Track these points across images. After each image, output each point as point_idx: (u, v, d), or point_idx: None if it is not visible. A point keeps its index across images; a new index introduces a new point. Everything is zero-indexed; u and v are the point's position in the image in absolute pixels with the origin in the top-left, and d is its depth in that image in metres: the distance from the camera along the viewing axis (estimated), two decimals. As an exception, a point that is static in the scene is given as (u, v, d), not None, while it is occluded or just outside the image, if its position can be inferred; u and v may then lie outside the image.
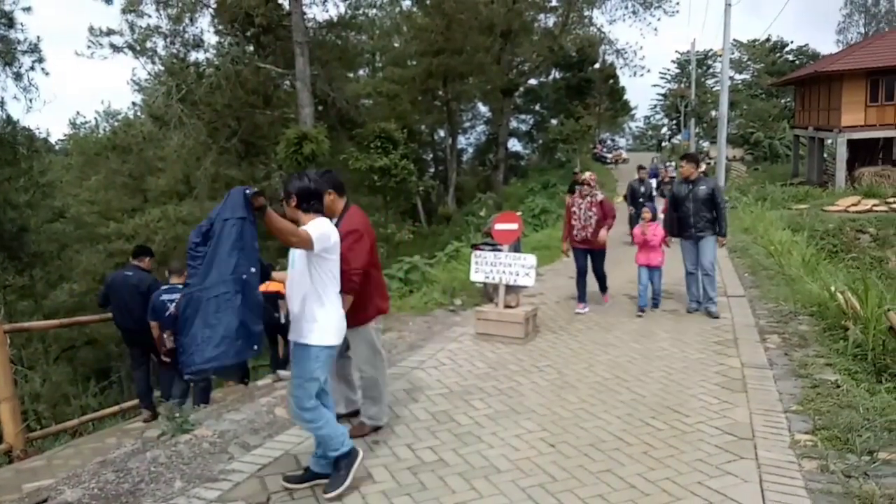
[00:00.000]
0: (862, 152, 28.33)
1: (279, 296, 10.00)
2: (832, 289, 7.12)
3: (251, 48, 22.17)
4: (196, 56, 23.25)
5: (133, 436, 5.66)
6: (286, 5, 20.04)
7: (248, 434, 4.56)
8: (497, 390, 5.35)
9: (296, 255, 3.62)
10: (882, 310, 5.54)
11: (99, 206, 31.59)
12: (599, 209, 7.86)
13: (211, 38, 23.59)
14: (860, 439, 4.01)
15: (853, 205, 20.87)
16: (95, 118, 43.32)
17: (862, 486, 3.49)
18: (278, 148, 18.82)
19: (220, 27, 22.59)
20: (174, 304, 5.93)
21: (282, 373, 6.24)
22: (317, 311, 3.55)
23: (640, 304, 7.98)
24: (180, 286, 5.91)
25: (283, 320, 9.88)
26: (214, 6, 21.29)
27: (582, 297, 8.19)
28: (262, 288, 10.13)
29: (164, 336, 6.38)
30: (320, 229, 3.49)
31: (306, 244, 3.39)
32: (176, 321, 5.34)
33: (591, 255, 8.08)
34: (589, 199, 7.89)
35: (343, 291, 3.85)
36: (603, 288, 8.45)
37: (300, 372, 3.53)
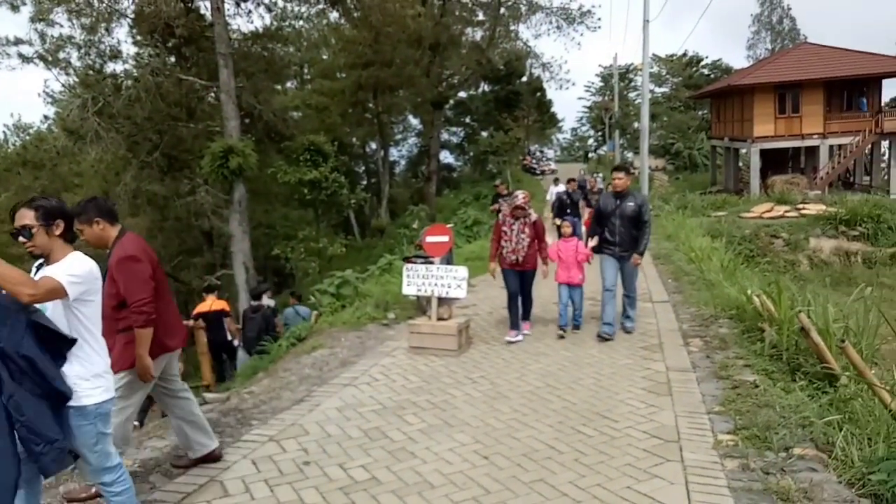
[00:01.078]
0: (773, 161, 30.03)
1: (224, 314, 9.78)
2: (749, 292, 7.43)
3: (172, 59, 21.47)
4: (113, 67, 22.32)
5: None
6: (209, 16, 19.54)
7: (172, 461, 4.36)
8: (431, 404, 5.32)
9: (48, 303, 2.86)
10: (794, 311, 5.81)
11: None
12: (532, 230, 7.28)
13: (129, 49, 22.67)
14: (777, 437, 4.19)
15: (767, 211, 22.02)
16: (4, 132, 40.88)
17: (779, 482, 3.64)
18: (203, 162, 18.25)
19: (139, 38, 21.80)
20: None
21: (208, 395, 6.01)
22: (85, 366, 2.93)
23: (561, 324, 7.45)
24: None
25: (230, 337, 9.62)
26: (132, 16, 20.53)
27: (514, 322, 7.39)
28: (206, 307, 9.80)
29: None
30: (73, 269, 2.85)
31: (56, 294, 2.77)
32: None
33: (521, 277, 7.41)
34: (522, 220, 7.25)
35: (136, 327, 3.51)
36: (527, 313, 7.68)
37: (85, 440, 2.94)
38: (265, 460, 4.29)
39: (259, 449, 4.48)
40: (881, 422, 4.14)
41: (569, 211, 13.27)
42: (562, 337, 7.27)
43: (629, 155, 50.65)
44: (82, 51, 21.06)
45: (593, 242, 7.33)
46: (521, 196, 7.37)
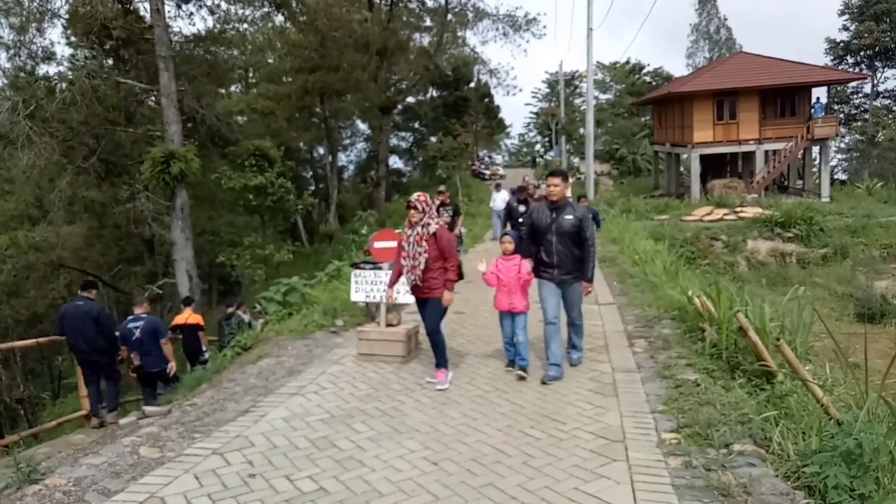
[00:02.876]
0: (712, 166, 31.01)
1: (199, 328, 9.86)
2: (690, 294, 7.63)
3: (110, 62, 20.76)
4: (46, 69, 21.45)
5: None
6: (148, 18, 18.97)
7: (109, 479, 4.20)
8: (379, 411, 5.27)
9: None
10: (733, 311, 5.99)
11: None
12: (433, 244, 5.69)
13: (64, 51, 21.84)
14: (718, 434, 4.30)
15: (707, 214, 22.73)
16: (-73, 136, 38.78)
17: (720, 478, 3.73)
18: (143, 167, 17.69)
19: (74, 39, 21.01)
20: (139, 331, 7.88)
21: (147, 409, 5.81)
22: None
23: (510, 358, 6.19)
24: (144, 315, 8.12)
25: (204, 348, 9.59)
26: (66, 17, 19.77)
27: (439, 361, 5.94)
28: (182, 320, 9.94)
29: (132, 356, 7.97)
30: None
31: None
32: (141, 345, 7.49)
33: (423, 307, 5.98)
34: (420, 229, 5.73)
35: None
36: (437, 358, 5.94)
37: None
38: (208, 474, 4.16)
39: (202, 463, 4.34)
40: (814, 416, 4.30)
41: (521, 220, 11.44)
42: (522, 378, 5.86)
43: (575, 160, 51.56)
44: (11, 52, 20.16)
45: (528, 266, 6.00)
46: (416, 195, 5.88)
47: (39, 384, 26.18)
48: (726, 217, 22.24)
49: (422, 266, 5.69)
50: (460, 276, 5.95)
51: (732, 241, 20.34)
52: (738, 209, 22.91)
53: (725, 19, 63.37)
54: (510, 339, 6.07)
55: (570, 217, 5.82)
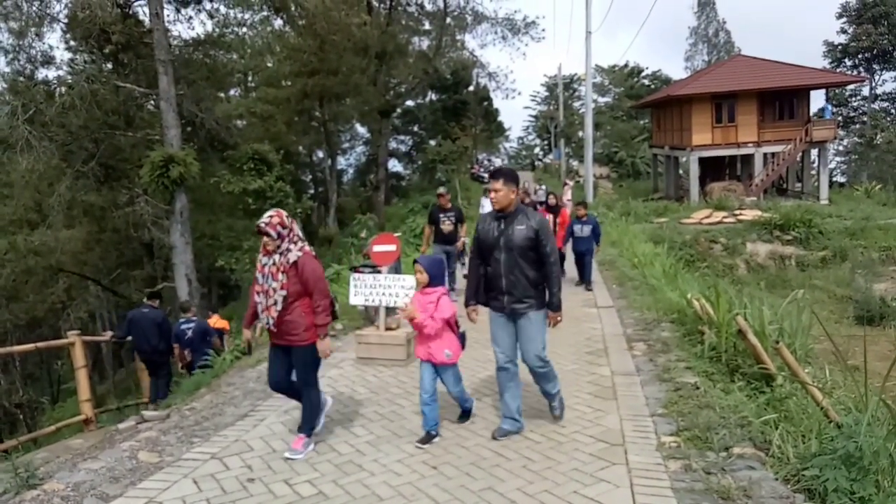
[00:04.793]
0: (711, 169, 31.07)
1: (223, 332, 10.33)
2: (689, 297, 7.64)
3: (109, 66, 20.77)
4: (45, 74, 21.45)
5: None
6: (147, 22, 18.99)
7: (107, 483, 4.19)
8: (379, 415, 5.26)
9: None
10: (732, 314, 6.00)
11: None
12: (294, 277, 4.30)
13: (63, 55, 21.87)
14: (717, 437, 4.30)
15: (706, 217, 22.74)
16: (-74, 140, 38.80)
17: (720, 481, 3.73)
18: (142, 171, 17.69)
19: (73, 43, 21.02)
20: (191, 331, 9.22)
21: (146, 413, 5.80)
22: None
23: (425, 427, 4.68)
24: (194, 319, 9.54)
25: (224, 346, 9.87)
26: (65, 21, 19.78)
27: (304, 424, 4.61)
28: (212, 322, 10.48)
29: (185, 353, 9.19)
30: None
31: None
32: (192, 343, 9.16)
33: (284, 355, 4.54)
34: (278, 257, 4.32)
35: None
36: (305, 419, 4.57)
37: None
38: (207, 479, 4.16)
39: (201, 467, 4.34)
40: (814, 419, 4.30)
41: None
42: (425, 443, 4.58)
43: (574, 163, 51.62)
44: (10, 56, 20.19)
45: (448, 301, 4.67)
46: (270, 215, 4.39)
47: (38, 388, 26.19)
48: (725, 220, 22.24)
49: (279, 305, 4.29)
50: (334, 317, 4.68)
51: (731, 243, 20.34)
52: (737, 212, 22.92)
53: (724, 22, 63.62)
54: (430, 394, 4.64)
55: (522, 228, 4.48)
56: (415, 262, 4.89)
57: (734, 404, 4.83)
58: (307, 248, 4.43)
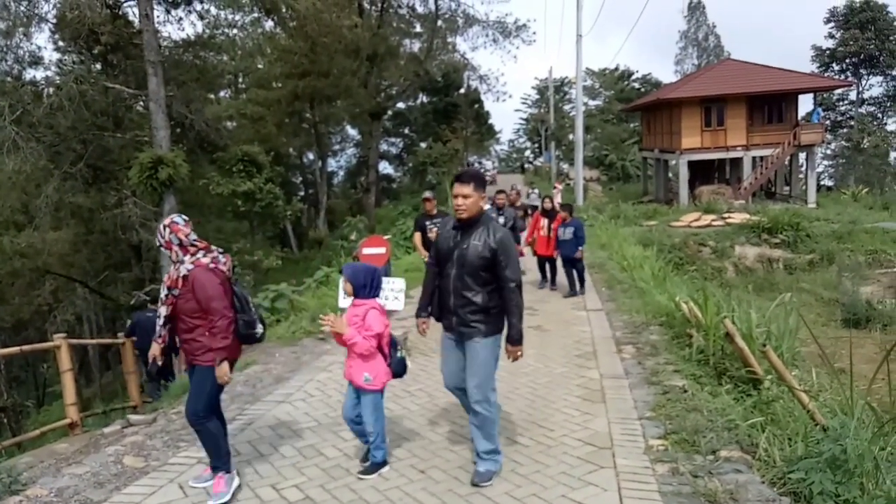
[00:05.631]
0: (700, 172, 31.23)
1: None
2: (677, 300, 7.66)
3: (98, 67, 20.66)
4: (33, 74, 21.35)
5: None
6: (137, 23, 18.89)
7: (92, 489, 4.15)
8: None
9: None
10: (720, 318, 6.02)
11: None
12: (187, 293, 3.82)
13: (51, 55, 21.76)
14: (705, 440, 4.31)
15: (695, 220, 22.85)
16: (-89, 141, 38.39)
17: (707, 485, 3.74)
18: (131, 173, 17.58)
19: (62, 43, 20.89)
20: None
21: (132, 417, 5.76)
22: None
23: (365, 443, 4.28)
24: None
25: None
26: (54, 21, 19.65)
27: (214, 460, 4.02)
28: None
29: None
30: None
31: None
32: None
33: (190, 375, 4.07)
34: (172, 269, 3.92)
35: None
36: (213, 456, 3.99)
37: None
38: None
39: (187, 472, 4.30)
40: (800, 422, 4.33)
41: None
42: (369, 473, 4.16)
43: (565, 166, 51.77)
44: (-3, 56, 20.04)
45: (376, 316, 4.09)
46: (170, 222, 3.96)
47: (23, 392, 25.92)
48: (714, 223, 22.36)
49: (160, 321, 3.98)
50: (251, 339, 4.08)
51: (720, 246, 20.44)
52: (726, 215, 23.05)
53: (714, 27, 63.99)
54: (350, 419, 4.21)
55: (478, 244, 3.89)
56: (340, 270, 4.38)
57: (721, 407, 4.85)
58: (203, 259, 3.86)
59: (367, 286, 4.10)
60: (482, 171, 52.49)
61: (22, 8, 18.91)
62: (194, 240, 3.92)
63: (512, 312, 3.93)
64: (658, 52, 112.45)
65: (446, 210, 10.92)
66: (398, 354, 4.27)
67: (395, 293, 6.94)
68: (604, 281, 11.70)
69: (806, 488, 3.56)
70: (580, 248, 10.38)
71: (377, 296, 4.21)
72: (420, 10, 36.35)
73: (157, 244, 3.98)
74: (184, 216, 4.06)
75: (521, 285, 3.96)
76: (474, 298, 3.93)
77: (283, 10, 21.89)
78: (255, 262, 22.09)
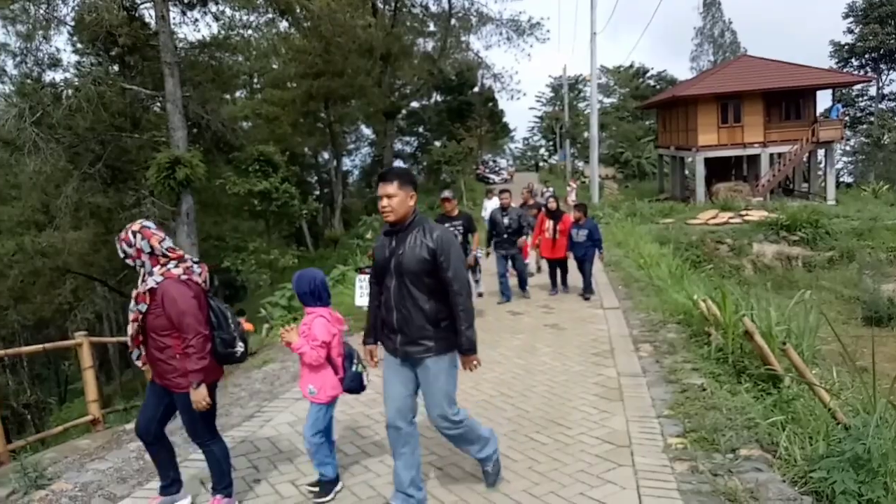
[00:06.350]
0: (717, 169, 30.95)
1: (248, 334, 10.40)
2: (695, 298, 7.61)
3: (116, 68, 20.90)
4: (52, 76, 21.63)
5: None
6: (153, 24, 19.09)
7: (115, 484, 4.21)
8: (383, 416, 5.24)
9: None
10: (738, 316, 5.97)
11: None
12: (159, 308, 3.43)
13: (70, 58, 22.02)
14: (724, 438, 4.28)
15: (712, 218, 22.68)
16: (-66, 143, 39.04)
17: (727, 483, 3.72)
18: (148, 173, 17.79)
19: (80, 46, 21.16)
20: None
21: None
22: None
23: (321, 476, 3.93)
24: None
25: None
26: (72, 24, 19.91)
27: (216, 483, 3.76)
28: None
29: None
30: None
31: None
32: None
33: (167, 396, 3.65)
34: (139, 282, 3.54)
35: None
36: (217, 478, 3.74)
37: None
38: (213, 480, 4.16)
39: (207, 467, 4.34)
40: (821, 421, 4.28)
41: (507, 235, 9.74)
42: (316, 488, 3.93)
43: (580, 164, 51.56)
44: (18, 59, 20.34)
45: (321, 325, 3.83)
46: (136, 227, 3.56)
47: (46, 389, 26.32)
48: (731, 220, 22.18)
49: (130, 340, 3.59)
50: (230, 358, 3.65)
51: (738, 244, 20.28)
52: (744, 212, 22.86)
53: (730, 22, 63.40)
54: (312, 440, 3.92)
55: (415, 247, 3.46)
56: (356, 269, 4.12)
57: (741, 406, 4.81)
58: (175, 270, 3.45)
59: (308, 293, 3.84)
60: (498, 168, 52.61)
61: (41, 11, 19.17)
62: (167, 248, 3.51)
63: (461, 319, 3.48)
64: (673, 49, 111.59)
65: (467, 210, 10.55)
66: (354, 369, 3.99)
67: (365, 290, 6.92)
68: (620, 279, 11.64)
69: (828, 487, 3.53)
70: (599, 251, 10.07)
71: (327, 304, 3.89)
72: (433, 8, 36.40)
73: (122, 255, 3.52)
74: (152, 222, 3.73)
75: (465, 288, 3.51)
76: (422, 307, 3.47)
77: (298, 10, 22.01)
78: (271, 260, 22.25)
